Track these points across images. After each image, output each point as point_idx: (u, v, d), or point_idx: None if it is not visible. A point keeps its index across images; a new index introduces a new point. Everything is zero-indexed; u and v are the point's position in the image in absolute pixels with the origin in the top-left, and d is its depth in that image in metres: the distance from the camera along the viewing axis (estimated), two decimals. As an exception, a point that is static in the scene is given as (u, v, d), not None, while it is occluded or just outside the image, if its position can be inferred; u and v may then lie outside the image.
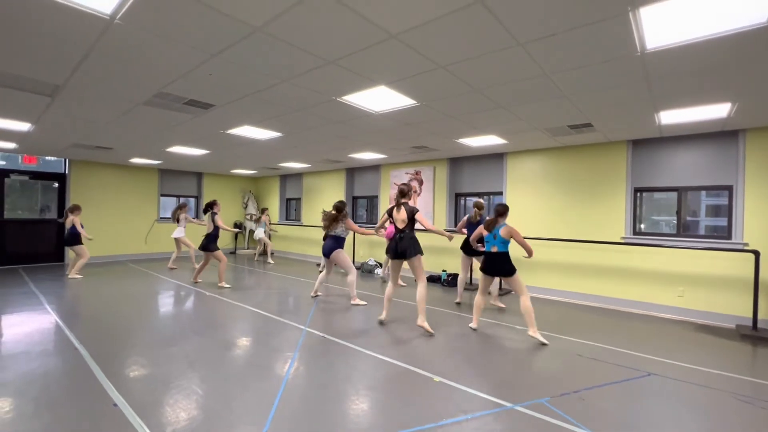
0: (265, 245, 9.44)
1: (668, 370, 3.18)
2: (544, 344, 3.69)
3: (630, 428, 2.30)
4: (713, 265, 4.73)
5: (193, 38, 2.56)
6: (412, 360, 3.26)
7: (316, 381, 2.86)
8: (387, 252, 4.21)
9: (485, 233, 4.06)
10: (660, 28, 2.26)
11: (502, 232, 3.93)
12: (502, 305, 5.14)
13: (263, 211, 9.38)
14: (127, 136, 5.78)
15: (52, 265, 8.29)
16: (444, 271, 7.00)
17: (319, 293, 5.71)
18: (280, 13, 2.23)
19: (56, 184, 8.62)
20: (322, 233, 9.31)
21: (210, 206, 6.25)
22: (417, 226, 4.13)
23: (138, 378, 2.84)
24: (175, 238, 7.89)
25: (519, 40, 2.47)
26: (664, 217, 5.57)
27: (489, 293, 4.72)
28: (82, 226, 6.81)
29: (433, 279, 7.06)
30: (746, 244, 4.53)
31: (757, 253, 4.22)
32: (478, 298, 4.20)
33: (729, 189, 4.77)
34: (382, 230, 4.67)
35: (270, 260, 9.41)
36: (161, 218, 10.03)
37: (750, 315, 4.32)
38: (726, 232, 4.82)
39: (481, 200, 5.35)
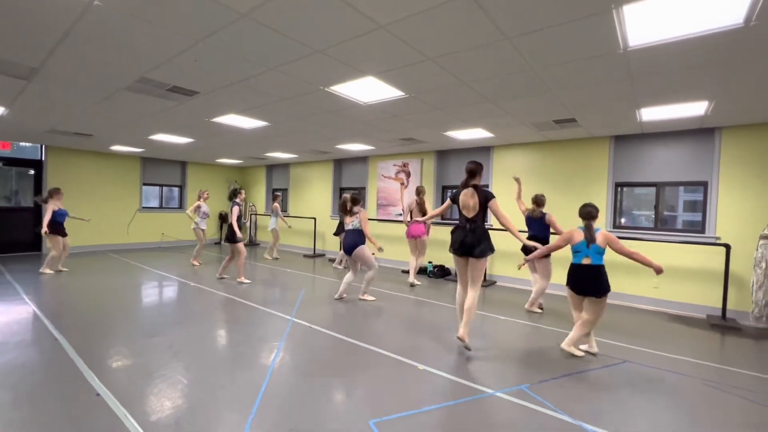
0: (273, 238, 8.51)
1: (642, 357, 3.32)
2: (576, 356, 3.27)
3: (604, 411, 2.40)
4: (687, 258, 4.92)
5: (178, 22, 2.50)
6: (397, 349, 3.31)
7: (302, 369, 2.89)
8: (451, 247, 3.35)
9: (574, 242, 3.29)
10: (642, 26, 2.32)
11: (598, 238, 3.19)
12: (538, 310, 4.71)
13: (275, 198, 8.39)
14: (108, 123, 5.61)
15: (29, 255, 8.05)
16: (430, 262, 7.07)
17: (344, 295, 4.99)
18: (266, -1, 2.20)
19: (32, 171, 8.32)
20: (312, 224, 9.37)
21: (234, 195, 5.92)
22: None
23: (121, 368, 2.82)
24: (195, 230, 7.32)
25: (506, 34, 2.50)
26: (644, 211, 5.75)
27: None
28: (56, 213, 6.03)
29: (420, 270, 7.13)
30: (718, 238, 4.72)
31: (728, 247, 4.41)
32: (576, 319, 3.40)
33: (704, 185, 4.94)
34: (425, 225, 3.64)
35: (276, 255, 8.61)
36: (144, 207, 9.82)
37: (720, 305, 4.53)
38: (700, 227, 5.01)
39: (542, 195, 4.65)
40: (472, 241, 3.18)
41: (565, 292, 3.45)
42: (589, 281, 3.19)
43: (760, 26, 2.23)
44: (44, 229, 5.87)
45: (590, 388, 2.72)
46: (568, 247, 3.40)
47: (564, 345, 3.31)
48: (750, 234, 4.52)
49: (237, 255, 5.87)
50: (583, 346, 3.40)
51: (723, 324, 4.32)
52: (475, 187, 3.25)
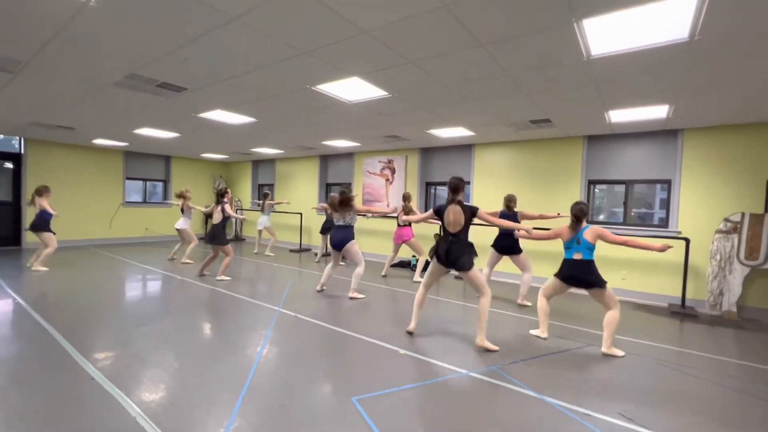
0: (270, 234, 8.48)
1: (605, 341, 3.60)
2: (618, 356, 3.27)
3: (564, 387, 2.65)
4: (652, 251, 5.25)
5: (169, 24, 2.61)
6: (379, 336, 3.51)
7: (289, 355, 3.06)
8: (431, 256, 3.44)
9: (564, 239, 3.47)
10: (601, 38, 2.55)
11: (587, 235, 3.33)
12: (528, 303, 4.85)
13: (265, 195, 8.39)
14: (93, 117, 5.61)
15: (8, 249, 7.92)
16: (414, 257, 7.30)
17: (325, 287, 5.10)
18: (256, 5, 2.33)
19: (9, 165, 8.15)
20: (298, 219, 9.47)
21: (221, 195, 5.77)
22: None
23: (113, 355, 2.93)
24: (178, 229, 7.04)
25: (480, 42, 2.70)
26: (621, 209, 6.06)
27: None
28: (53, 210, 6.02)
29: (403, 264, 7.35)
30: (680, 233, 5.07)
31: (687, 240, 4.76)
32: (541, 301, 3.66)
33: (668, 183, 5.29)
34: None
35: (268, 252, 8.48)
36: (127, 202, 9.74)
37: (680, 295, 4.88)
38: (665, 222, 5.36)
39: (514, 195, 4.99)
40: (455, 253, 3.24)
41: (550, 280, 3.61)
42: (579, 275, 3.35)
43: (703, 41, 2.49)
44: (58, 214, 6.05)
45: (554, 368, 2.97)
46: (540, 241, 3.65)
47: (604, 349, 3.28)
48: (707, 228, 4.89)
49: (225, 255, 5.73)
50: (534, 331, 3.68)
51: (682, 312, 4.67)
52: (461, 204, 3.29)
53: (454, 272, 6.06)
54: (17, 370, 2.64)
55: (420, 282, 6.09)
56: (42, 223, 5.95)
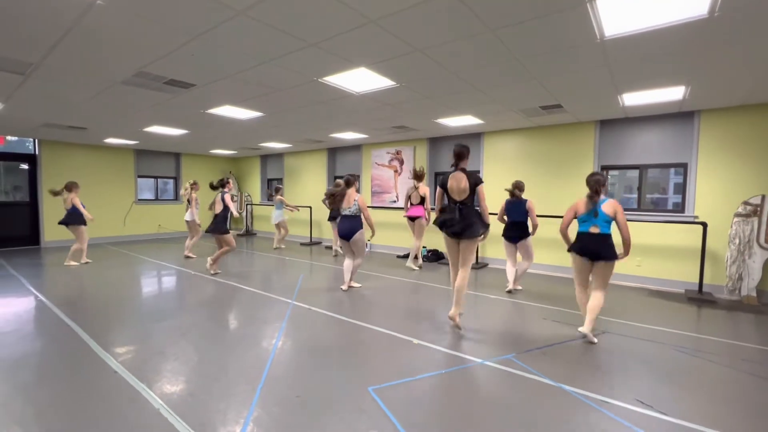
0: (282, 230, 8.42)
1: (621, 329, 3.57)
2: (592, 343, 3.20)
3: (582, 374, 2.64)
4: (668, 236, 5.17)
5: (176, 20, 2.60)
6: (393, 327, 3.53)
7: (305, 346, 3.09)
8: (441, 227, 3.31)
9: (580, 212, 3.31)
10: (615, 18, 2.47)
11: (606, 208, 3.18)
12: (519, 287, 4.90)
13: (277, 190, 8.35)
14: (104, 116, 5.67)
15: (27, 248, 8.13)
16: (424, 247, 7.29)
17: (352, 285, 4.92)
18: (262, -3, 2.31)
19: (25, 166, 8.32)
20: (308, 213, 9.50)
21: (221, 185, 5.80)
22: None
23: (134, 349, 3.00)
24: (187, 221, 7.11)
25: (489, 27, 2.64)
26: (635, 195, 5.95)
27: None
28: (83, 206, 6.31)
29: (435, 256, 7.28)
30: (696, 217, 4.96)
31: (704, 225, 4.65)
32: (579, 293, 3.43)
33: (684, 166, 5.16)
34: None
35: (280, 245, 8.50)
36: (139, 200, 9.88)
37: (697, 280, 4.80)
38: (681, 207, 5.25)
39: (522, 181, 4.78)
40: (463, 223, 3.21)
41: (571, 262, 3.46)
42: (597, 249, 3.21)
43: (723, 17, 2.40)
44: (90, 217, 6.34)
45: (571, 356, 2.95)
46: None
47: (583, 329, 3.21)
48: (725, 212, 4.77)
49: (225, 245, 5.68)
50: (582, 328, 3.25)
51: (699, 297, 4.59)
52: (464, 171, 3.27)
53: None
54: (43, 365, 2.72)
55: (411, 269, 6.17)
56: (73, 217, 6.22)
